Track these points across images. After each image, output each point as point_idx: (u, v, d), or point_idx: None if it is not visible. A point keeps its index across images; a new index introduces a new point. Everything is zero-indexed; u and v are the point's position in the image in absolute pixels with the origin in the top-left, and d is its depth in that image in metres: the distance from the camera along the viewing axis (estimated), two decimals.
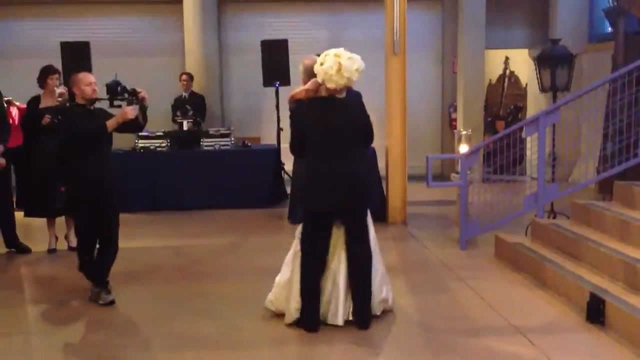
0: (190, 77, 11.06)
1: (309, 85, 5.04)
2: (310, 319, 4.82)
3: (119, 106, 5.69)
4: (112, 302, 5.52)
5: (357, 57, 4.77)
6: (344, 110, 4.79)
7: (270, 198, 9.70)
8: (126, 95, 5.77)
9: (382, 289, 5.03)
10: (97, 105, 5.68)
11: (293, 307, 4.88)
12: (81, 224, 5.64)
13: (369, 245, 4.93)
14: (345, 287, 4.86)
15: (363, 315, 4.85)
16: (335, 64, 4.64)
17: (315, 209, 4.83)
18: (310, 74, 5.22)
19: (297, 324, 4.87)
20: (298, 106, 4.98)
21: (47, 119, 6.94)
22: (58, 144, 6.52)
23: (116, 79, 5.97)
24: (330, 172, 4.75)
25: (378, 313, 4.99)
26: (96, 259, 5.69)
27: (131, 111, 5.59)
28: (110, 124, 5.55)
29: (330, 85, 4.71)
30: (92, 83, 5.56)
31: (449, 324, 4.98)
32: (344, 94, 4.81)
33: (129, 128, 5.81)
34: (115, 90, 5.91)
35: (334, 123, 4.75)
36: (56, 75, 7.23)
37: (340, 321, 4.82)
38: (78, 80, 5.54)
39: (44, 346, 4.81)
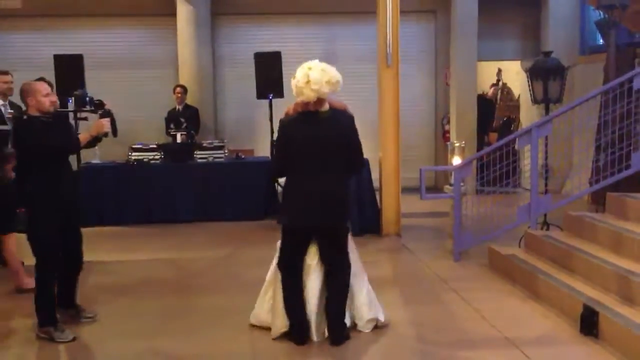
0: (184, 90, 11.08)
1: (297, 100, 5.01)
2: (299, 333, 4.80)
3: (85, 118, 5.58)
4: (73, 340, 5.02)
5: (332, 70, 4.71)
6: (327, 127, 4.73)
7: (264, 210, 9.68)
8: (93, 107, 5.58)
9: (368, 308, 4.96)
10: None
11: (279, 322, 4.88)
12: (49, 248, 5.00)
13: (345, 265, 4.85)
14: (317, 305, 4.82)
15: (336, 333, 4.78)
16: (304, 76, 4.63)
17: (291, 226, 4.83)
18: None
19: (285, 336, 4.87)
20: (284, 121, 4.96)
21: None
22: (17, 161, 5.36)
23: (84, 90, 5.90)
24: (307, 190, 4.73)
25: (367, 331, 4.96)
26: (63, 283, 5.28)
27: (107, 124, 5.30)
28: (84, 137, 5.25)
29: (302, 98, 4.70)
30: (49, 94, 5.11)
31: (443, 336, 4.97)
32: (325, 108, 4.76)
33: (94, 141, 5.40)
34: (83, 101, 5.83)
35: (315, 138, 4.71)
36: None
37: (314, 337, 4.81)
38: (35, 91, 5.04)
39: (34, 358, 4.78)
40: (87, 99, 5.85)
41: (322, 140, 4.70)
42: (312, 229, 4.81)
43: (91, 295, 6.30)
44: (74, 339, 4.99)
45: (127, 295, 6.25)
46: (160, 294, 6.29)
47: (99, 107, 5.62)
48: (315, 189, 4.70)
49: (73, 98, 5.73)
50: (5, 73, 7.13)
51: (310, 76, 4.62)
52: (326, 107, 4.77)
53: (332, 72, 4.70)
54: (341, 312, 4.83)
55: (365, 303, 4.95)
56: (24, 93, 5.10)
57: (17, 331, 5.27)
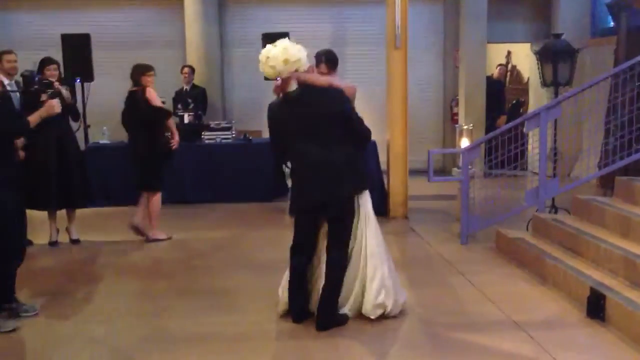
0: (192, 70, 11.06)
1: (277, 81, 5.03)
2: (295, 310, 4.87)
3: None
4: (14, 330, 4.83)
5: (293, 49, 4.71)
6: (305, 105, 4.71)
7: (271, 192, 9.69)
8: (43, 87, 5.46)
9: (377, 293, 4.84)
10: None
11: (283, 297, 4.96)
12: (13, 229, 4.89)
13: (345, 251, 4.80)
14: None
15: (323, 317, 4.77)
16: (266, 53, 4.71)
17: (296, 206, 4.86)
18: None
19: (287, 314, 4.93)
20: (270, 105, 5.00)
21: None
22: None
23: (33, 70, 5.84)
24: (305, 166, 4.76)
25: (372, 317, 4.85)
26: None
27: (57, 104, 5.19)
28: (34, 119, 5.09)
29: (266, 75, 4.81)
30: None
31: (450, 318, 4.99)
32: (293, 88, 4.76)
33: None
34: (32, 81, 5.76)
35: (298, 117, 4.72)
36: (54, 66, 7.20)
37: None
38: None
39: (44, 339, 4.82)
40: (36, 79, 5.79)
41: (304, 118, 4.70)
42: (313, 209, 4.78)
43: (102, 276, 6.36)
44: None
45: (135, 276, 6.30)
46: (168, 274, 6.33)
47: (48, 87, 5.53)
48: (310, 165, 4.71)
49: (22, 78, 5.68)
50: (9, 52, 7.14)
51: (270, 53, 4.68)
52: (292, 86, 4.77)
53: (291, 51, 4.69)
54: (330, 305, 4.78)
55: (375, 288, 4.83)
56: None
57: None
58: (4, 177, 4.81)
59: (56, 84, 5.48)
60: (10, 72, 7.08)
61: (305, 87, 4.77)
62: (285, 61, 4.64)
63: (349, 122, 4.76)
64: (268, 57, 4.67)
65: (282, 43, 4.73)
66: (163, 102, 7.74)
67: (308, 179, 4.76)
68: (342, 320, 4.82)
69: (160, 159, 7.56)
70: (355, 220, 4.84)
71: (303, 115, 4.71)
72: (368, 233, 4.89)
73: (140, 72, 7.41)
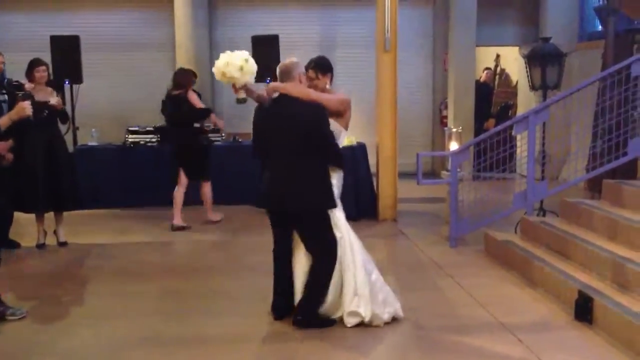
0: None
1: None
2: (275, 309, 4.98)
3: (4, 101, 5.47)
4: None
5: (235, 60, 4.92)
6: (280, 115, 4.79)
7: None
8: (12, 89, 5.42)
9: (350, 299, 4.79)
10: None
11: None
12: None
13: (321, 254, 4.79)
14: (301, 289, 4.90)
15: (297, 316, 4.83)
16: (226, 58, 4.95)
17: (257, 204, 4.96)
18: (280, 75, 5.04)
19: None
20: (255, 108, 5.07)
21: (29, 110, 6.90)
22: None
23: (2, 73, 5.79)
24: (271, 174, 4.85)
25: (348, 325, 4.79)
26: None
27: (28, 107, 5.09)
28: (4, 122, 5.01)
29: (219, 79, 5.04)
30: None
31: (438, 321, 4.99)
32: (241, 96, 5.01)
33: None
34: (1, 83, 5.70)
35: (266, 125, 4.87)
36: (43, 68, 7.18)
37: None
38: None
39: (31, 342, 4.79)
40: (5, 81, 5.73)
41: (274, 127, 4.81)
42: (278, 213, 4.88)
43: (89, 278, 6.33)
44: None
45: (125, 278, 6.27)
46: (158, 277, 6.31)
47: (18, 89, 5.50)
48: (276, 173, 4.80)
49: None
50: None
51: (230, 59, 4.93)
52: (241, 95, 5.01)
53: (233, 62, 4.90)
54: (310, 298, 4.80)
55: (348, 293, 4.80)
56: None
57: None
58: None
59: (27, 86, 5.39)
60: None
61: (283, 96, 4.82)
62: (223, 74, 4.91)
63: (319, 141, 4.75)
64: (227, 63, 4.88)
65: (231, 53, 4.96)
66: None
67: (270, 183, 4.84)
68: (321, 323, 4.82)
69: (206, 151, 8.41)
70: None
71: (273, 124, 4.82)
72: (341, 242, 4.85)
73: (189, 77, 8.29)
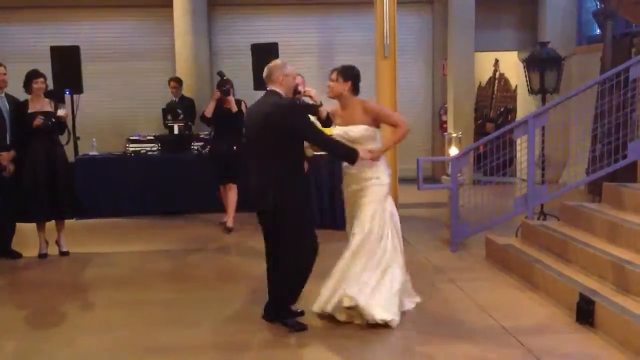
0: (179, 83, 10.98)
1: None
2: (267, 312, 5.08)
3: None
4: None
5: None
6: (255, 120, 4.89)
7: None
8: None
9: (331, 294, 4.95)
10: None
11: (322, 297, 5.12)
12: None
13: (285, 260, 4.88)
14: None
15: (268, 310, 5.02)
16: None
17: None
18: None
19: None
20: None
21: (39, 119, 6.96)
22: None
23: None
24: (252, 174, 4.93)
25: (340, 320, 4.95)
26: None
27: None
28: None
29: None
30: None
31: (440, 325, 5.00)
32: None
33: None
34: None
35: (250, 131, 5.04)
36: (41, 79, 7.22)
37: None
38: None
39: (32, 352, 4.79)
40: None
41: (250, 127, 5.01)
42: (259, 214, 4.95)
43: (91, 287, 6.34)
44: None
45: (126, 287, 6.27)
46: (158, 285, 6.32)
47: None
48: (254, 173, 4.88)
49: None
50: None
51: None
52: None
53: None
54: (278, 298, 4.97)
55: (329, 288, 4.97)
56: None
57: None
58: None
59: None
60: (1, 85, 7.10)
61: (262, 97, 4.97)
62: None
63: (301, 138, 4.86)
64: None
65: None
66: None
67: (252, 184, 4.92)
68: (289, 323, 4.91)
69: (239, 156, 8.44)
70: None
71: (250, 125, 5.00)
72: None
73: (229, 84, 8.52)
